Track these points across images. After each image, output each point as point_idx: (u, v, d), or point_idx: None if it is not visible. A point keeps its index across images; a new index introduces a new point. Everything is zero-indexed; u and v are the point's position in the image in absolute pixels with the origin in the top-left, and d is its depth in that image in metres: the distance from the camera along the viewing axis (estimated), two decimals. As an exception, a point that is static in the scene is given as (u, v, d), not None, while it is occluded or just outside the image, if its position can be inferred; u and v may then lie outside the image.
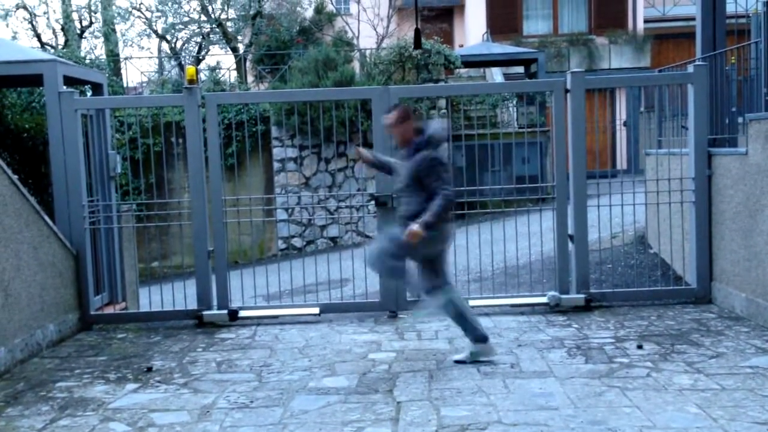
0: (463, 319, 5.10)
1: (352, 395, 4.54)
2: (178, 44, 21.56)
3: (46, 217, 6.10)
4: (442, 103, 14.16)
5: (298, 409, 4.35)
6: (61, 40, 20.29)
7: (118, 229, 7.37)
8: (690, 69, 6.65)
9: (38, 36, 20.10)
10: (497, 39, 19.63)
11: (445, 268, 5.24)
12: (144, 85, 19.00)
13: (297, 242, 13.75)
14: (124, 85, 16.72)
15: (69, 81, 7.09)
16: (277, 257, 10.60)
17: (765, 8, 6.15)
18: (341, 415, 4.20)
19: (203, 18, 20.43)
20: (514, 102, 16.16)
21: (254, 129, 13.62)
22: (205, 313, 6.59)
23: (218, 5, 19.93)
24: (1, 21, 19.14)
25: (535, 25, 21.24)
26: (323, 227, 13.88)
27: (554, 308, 6.59)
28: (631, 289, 6.93)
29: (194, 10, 20.67)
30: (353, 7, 19.95)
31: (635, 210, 7.47)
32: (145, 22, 20.83)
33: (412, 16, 12.27)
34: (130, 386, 4.90)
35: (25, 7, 19.69)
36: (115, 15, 19.70)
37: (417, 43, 9.42)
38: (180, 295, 7.02)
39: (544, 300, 6.67)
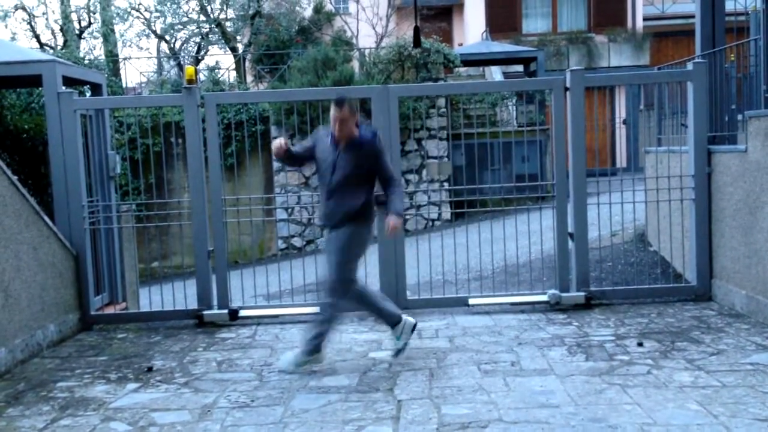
0: (325, 326, 5.08)
1: (353, 394, 4.55)
2: (177, 44, 21.58)
3: (46, 218, 6.10)
4: (442, 101, 14.17)
5: (298, 407, 4.35)
6: (60, 40, 20.30)
7: (118, 229, 7.37)
8: (689, 66, 6.65)
9: (37, 37, 20.11)
10: (496, 37, 19.63)
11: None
12: (143, 85, 19.02)
13: (297, 242, 13.75)
14: (123, 85, 16.71)
15: (68, 81, 7.09)
16: (277, 257, 10.60)
17: (764, 5, 6.15)
18: (342, 414, 4.21)
19: (202, 18, 20.43)
20: (514, 100, 16.16)
21: (254, 129, 13.61)
22: (205, 312, 6.59)
23: (217, 5, 19.93)
24: (0, 22, 19.13)
25: (535, 23, 21.24)
26: (323, 227, 13.85)
27: (554, 306, 6.59)
28: (631, 287, 6.93)
29: (193, 10, 20.69)
30: (352, 7, 19.96)
31: (635, 208, 7.47)
32: (143, 23, 20.85)
33: (411, 15, 12.26)
34: (131, 386, 4.90)
35: (24, 8, 19.69)
36: (114, 15, 19.70)
37: (416, 42, 9.41)
38: (180, 295, 7.02)
39: (544, 298, 6.67)
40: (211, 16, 20.08)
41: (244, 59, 18.69)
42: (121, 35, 20.47)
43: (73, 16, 20.14)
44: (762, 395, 4.21)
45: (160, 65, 21.22)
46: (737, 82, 7.50)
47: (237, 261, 11.95)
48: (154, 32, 20.88)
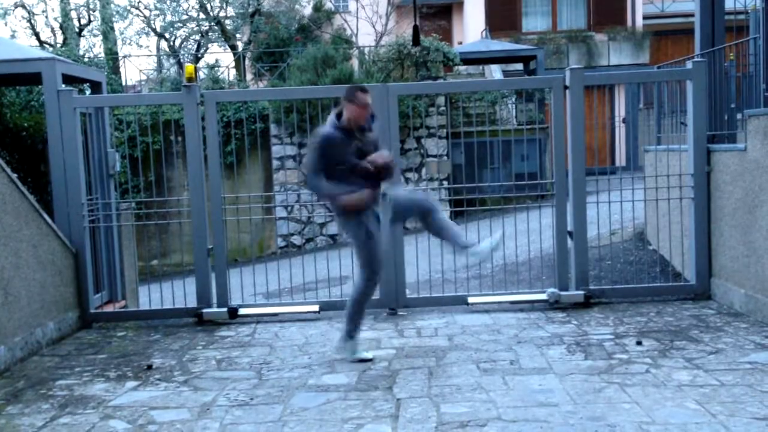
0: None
1: (352, 392, 4.55)
2: (177, 42, 21.58)
3: (46, 216, 6.10)
4: (441, 100, 14.16)
5: (298, 406, 4.35)
6: (60, 38, 20.30)
7: (117, 227, 7.37)
8: (689, 65, 6.65)
9: (37, 34, 20.11)
10: (496, 36, 19.63)
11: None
12: (143, 83, 19.01)
13: (296, 240, 13.76)
14: (123, 83, 16.71)
15: (68, 79, 7.09)
16: (277, 255, 10.60)
17: (764, 4, 6.15)
18: (341, 412, 4.21)
19: (202, 16, 20.43)
20: (513, 99, 16.16)
21: (253, 127, 13.61)
22: (204, 311, 6.59)
23: (217, 3, 19.93)
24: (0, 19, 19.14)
25: (534, 22, 21.24)
26: (322, 225, 13.88)
27: (553, 305, 6.60)
28: (631, 286, 6.93)
29: (193, 8, 20.70)
30: (352, 5, 19.97)
31: (634, 206, 7.48)
32: (143, 21, 20.86)
33: (411, 13, 12.24)
34: (130, 384, 4.90)
35: (23, 6, 19.68)
36: (114, 13, 19.70)
37: (416, 41, 9.41)
38: (180, 293, 7.02)
39: (543, 297, 6.67)
40: (211, 14, 20.08)
41: (244, 57, 18.69)
42: (121, 33, 20.49)
43: (73, 14, 20.16)
44: (760, 394, 4.21)
45: (159, 63, 21.22)
46: (737, 81, 7.50)
47: (236, 259, 11.95)
48: (154, 30, 20.88)
